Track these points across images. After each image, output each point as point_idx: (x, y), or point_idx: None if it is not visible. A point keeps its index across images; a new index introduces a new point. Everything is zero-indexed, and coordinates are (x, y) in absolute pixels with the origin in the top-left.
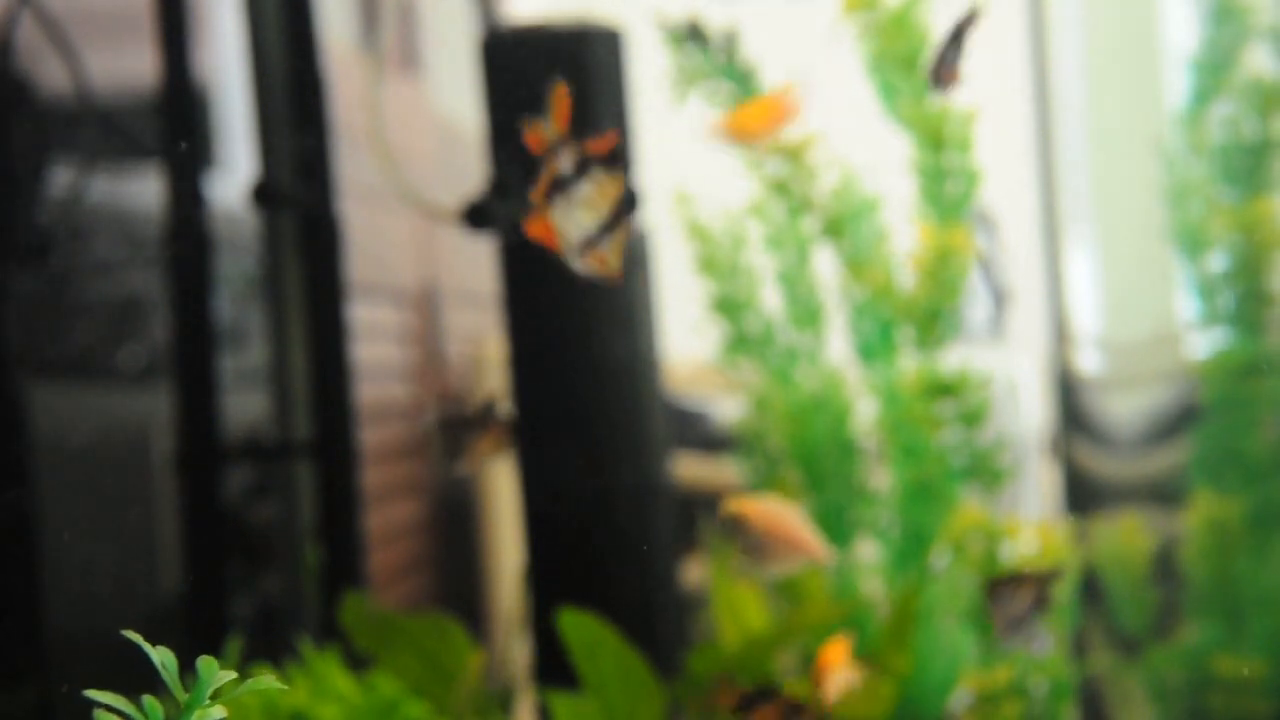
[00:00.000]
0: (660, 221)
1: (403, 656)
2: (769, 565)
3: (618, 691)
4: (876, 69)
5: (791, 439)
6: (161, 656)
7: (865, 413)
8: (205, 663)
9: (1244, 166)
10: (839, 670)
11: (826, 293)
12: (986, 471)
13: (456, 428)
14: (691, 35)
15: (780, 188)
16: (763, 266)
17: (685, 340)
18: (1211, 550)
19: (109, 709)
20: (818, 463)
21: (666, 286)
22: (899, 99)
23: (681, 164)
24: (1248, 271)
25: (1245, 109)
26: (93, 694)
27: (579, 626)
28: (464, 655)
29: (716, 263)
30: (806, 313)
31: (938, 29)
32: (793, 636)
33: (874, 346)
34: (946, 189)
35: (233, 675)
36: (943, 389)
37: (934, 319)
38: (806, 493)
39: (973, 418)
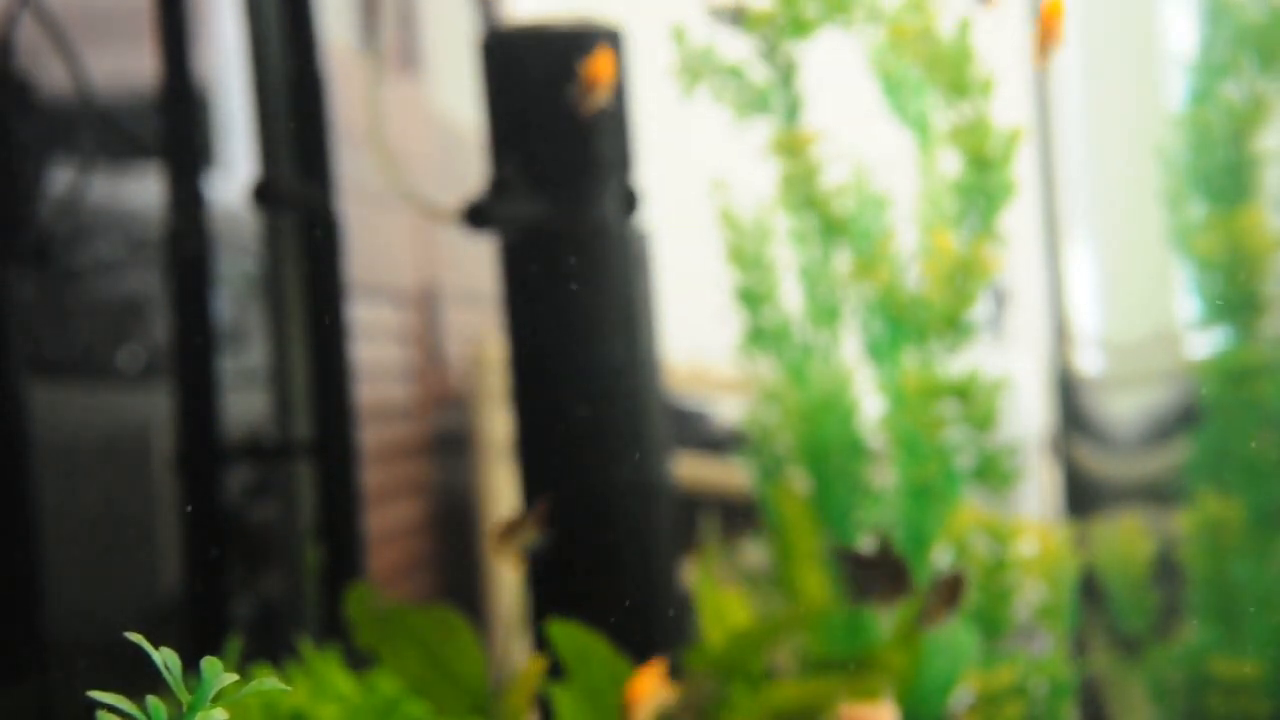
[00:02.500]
0: (669, 219)
1: (405, 653)
2: None
3: (611, 698)
4: (916, 87)
5: (800, 436)
6: (165, 658)
7: (873, 411)
8: (209, 664)
9: (1224, 182)
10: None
11: (844, 290)
12: (995, 474)
13: None
14: (734, 20)
15: (789, 183)
16: (786, 261)
17: (689, 340)
18: (1211, 551)
19: (111, 709)
20: (825, 461)
21: (672, 287)
22: (940, 116)
23: (693, 162)
24: (1239, 276)
25: (1223, 126)
26: (95, 695)
27: (568, 636)
28: (468, 652)
29: (743, 253)
30: (824, 310)
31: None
32: (782, 635)
33: (881, 346)
34: (979, 202)
35: (235, 678)
36: (949, 391)
37: (949, 326)
38: (813, 491)
39: (982, 421)
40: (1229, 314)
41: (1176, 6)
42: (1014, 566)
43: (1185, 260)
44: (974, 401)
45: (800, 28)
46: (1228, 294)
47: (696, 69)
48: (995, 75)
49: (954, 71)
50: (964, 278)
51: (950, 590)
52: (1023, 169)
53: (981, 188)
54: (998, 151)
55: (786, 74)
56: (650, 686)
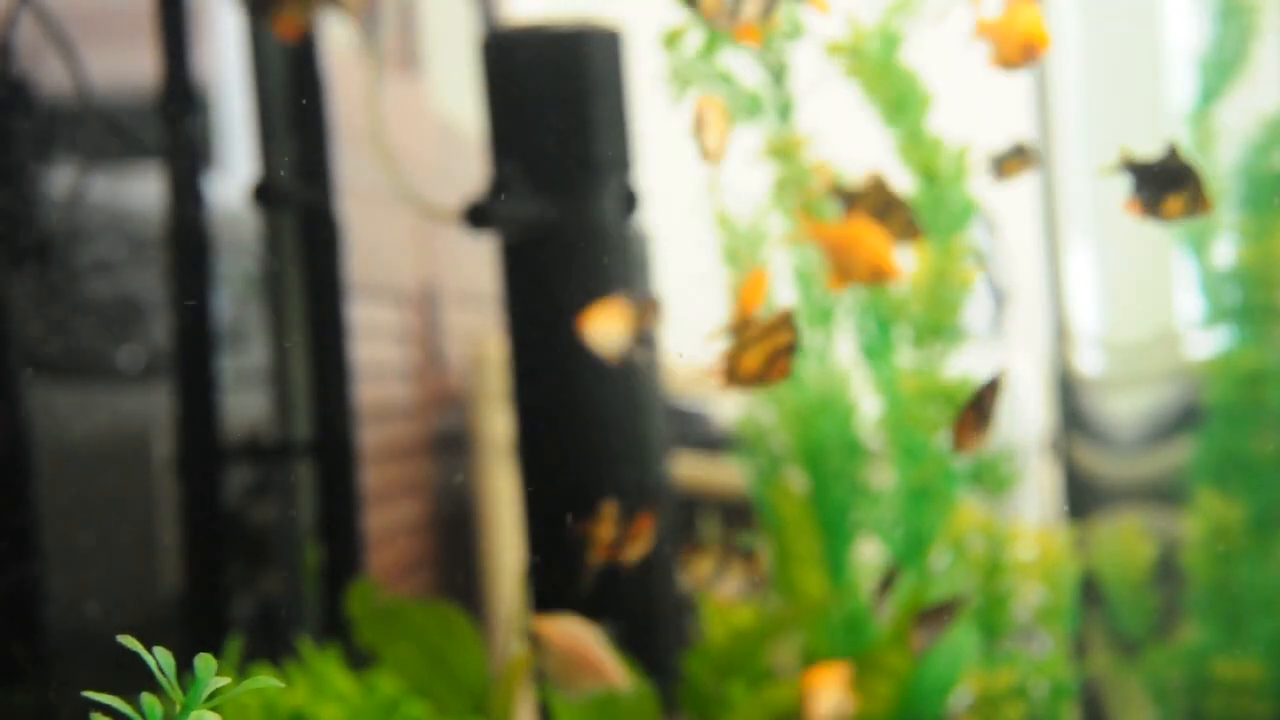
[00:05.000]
0: (670, 219)
1: (406, 650)
2: (566, 687)
3: (609, 697)
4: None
5: (798, 437)
6: (159, 658)
7: (870, 411)
8: (203, 662)
9: (1259, 194)
10: (831, 693)
11: (838, 292)
12: (991, 478)
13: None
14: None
15: (781, 186)
16: (781, 263)
17: (689, 340)
18: (1213, 553)
19: (107, 710)
20: (823, 462)
21: (671, 287)
22: (891, 134)
23: (692, 162)
24: (1260, 285)
25: (1263, 143)
26: (91, 695)
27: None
28: (468, 649)
29: (738, 255)
30: (819, 311)
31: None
32: (782, 633)
33: (876, 347)
34: (941, 217)
35: (228, 679)
36: (941, 396)
37: (934, 333)
38: (810, 491)
39: None
40: (1242, 317)
41: (1181, 3)
42: (1012, 569)
43: (1193, 256)
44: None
45: (711, 44)
46: (1244, 297)
47: (687, 75)
48: (935, 91)
49: (890, 88)
50: (942, 287)
51: (939, 618)
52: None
53: (936, 203)
54: (948, 169)
55: (777, 76)
56: (829, 685)
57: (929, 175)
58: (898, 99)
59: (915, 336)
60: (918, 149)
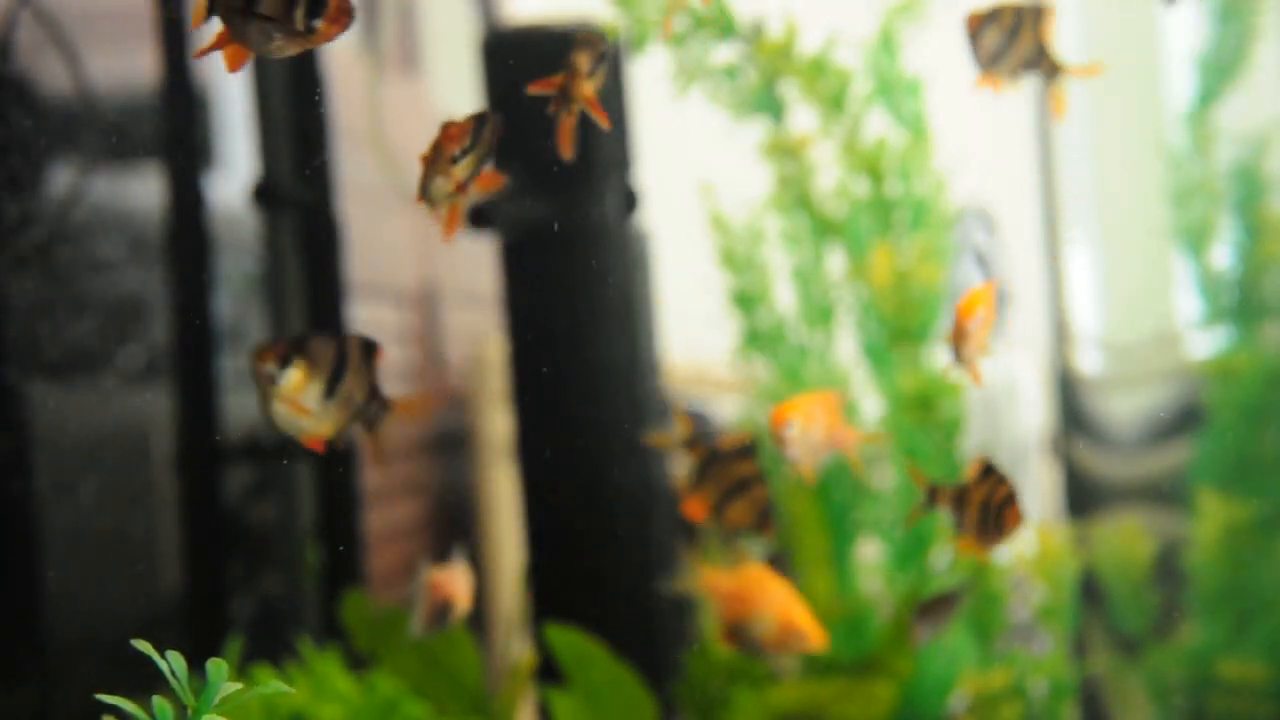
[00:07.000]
0: (669, 220)
1: (403, 656)
2: None
3: (609, 702)
4: (910, 88)
5: None
6: (172, 662)
7: (870, 412)
8: (214, 665)
9: (1258, 194)
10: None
11: (838, 292)
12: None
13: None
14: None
15: (784, 184)
16: (778, 263)
17: (690, 340)
18: (1221, 553)
19: (116, 711)
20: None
21: (672, 287)
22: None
23: (689, 161)
24: (1260, 285)
25: (1261, 143)
26: (102, 697)
27: (567, 641)
28: (463, 653)
29: (735, 256)
30: (818, 311)
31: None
32: None
33: (875, 347)
34: (894, 217)
35: (239, 685)
36: (919, 400)
37: (903, 335)
38: (812, 492)
39: (949, 428)
40: (1241, 318)
41: (1180, 3)
42: (1000, 570)
43: (1192, 256)
44: (941, 408)
45: (640, 42)
46: (1242, 298)
47: (691, 71)
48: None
49: (826, 86)
50: (906, 290)
51: (940, 611)
52: (1022, 168)
53: (881, 204)
54: (893, 165)
55: (770, 77)
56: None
57: (874, 174)
58: (835, 96)
59: (887, 339)
60: (856, 148)
